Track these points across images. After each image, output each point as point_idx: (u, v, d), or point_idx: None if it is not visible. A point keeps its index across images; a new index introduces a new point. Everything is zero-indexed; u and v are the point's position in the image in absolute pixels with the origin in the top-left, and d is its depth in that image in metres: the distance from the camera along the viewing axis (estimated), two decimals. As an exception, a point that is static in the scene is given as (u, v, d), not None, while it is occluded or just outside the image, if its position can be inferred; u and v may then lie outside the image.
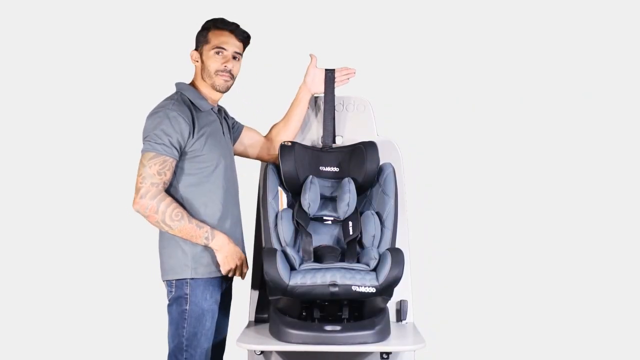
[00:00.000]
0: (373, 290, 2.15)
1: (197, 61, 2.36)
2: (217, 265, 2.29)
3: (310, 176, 2.51)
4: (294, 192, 2.53)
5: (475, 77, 3.44)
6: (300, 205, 2.47)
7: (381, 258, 2.24)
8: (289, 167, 2.48)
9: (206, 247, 2.27)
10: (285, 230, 2.39)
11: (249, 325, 2.46)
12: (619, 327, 3.35)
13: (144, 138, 2.23)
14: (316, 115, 2.66)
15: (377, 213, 2.45)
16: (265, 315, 2.46)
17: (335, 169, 2.57)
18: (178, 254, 2.27)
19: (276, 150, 2.52)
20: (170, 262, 2.29)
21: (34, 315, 3.42)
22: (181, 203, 2.26)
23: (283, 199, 2.50)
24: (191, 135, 2.25)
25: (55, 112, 3.46)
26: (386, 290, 2.18)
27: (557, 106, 3.45)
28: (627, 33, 3.43)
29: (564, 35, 3.45)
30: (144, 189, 2.17)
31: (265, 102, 3.06)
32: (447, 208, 3.38)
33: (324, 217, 2.50)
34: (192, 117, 2.26)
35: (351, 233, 2.41)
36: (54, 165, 3.45)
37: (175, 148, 2.21)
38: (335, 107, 2.63)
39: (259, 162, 2.64)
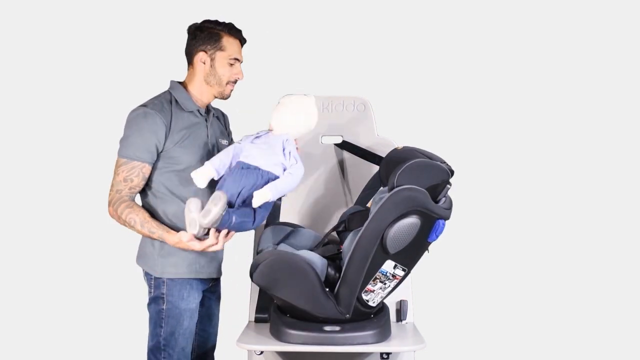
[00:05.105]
0: None
1: (204, 63, 2.29)
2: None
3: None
4: None
5: (475, 77, 3.44)
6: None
7: None
8: (381, 169, 2.45)
9: (173, 249, 2.24)
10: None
11: (249, 325, 2.46)
12: (619, 327, 3.35)
13: (122, 138, 2.23)
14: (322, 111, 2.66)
15: None
16: (265, 315, 2.46)
17: None
18: (148, 245, 2.30)
19: None
20: (144, 250, 2.31)
21: (20, 313, 3.40)
22: (154, 200, 2.25)
23: None
24: (167, 135, 2.22)
25: (44, 110, 3.46)
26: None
27: (558, 105, 3.45)
28: (627, 33, 3.43)
29: (564, 35, 3.44)
30: (110, 197, 2.22)
31: (264, 103, 3.06)
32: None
33: None
34: (171, 117, 2.23)
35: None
36: (32, 162, 3.44)
37: (149, 151, 2.20)
38: (335, 107, 2.65)
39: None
